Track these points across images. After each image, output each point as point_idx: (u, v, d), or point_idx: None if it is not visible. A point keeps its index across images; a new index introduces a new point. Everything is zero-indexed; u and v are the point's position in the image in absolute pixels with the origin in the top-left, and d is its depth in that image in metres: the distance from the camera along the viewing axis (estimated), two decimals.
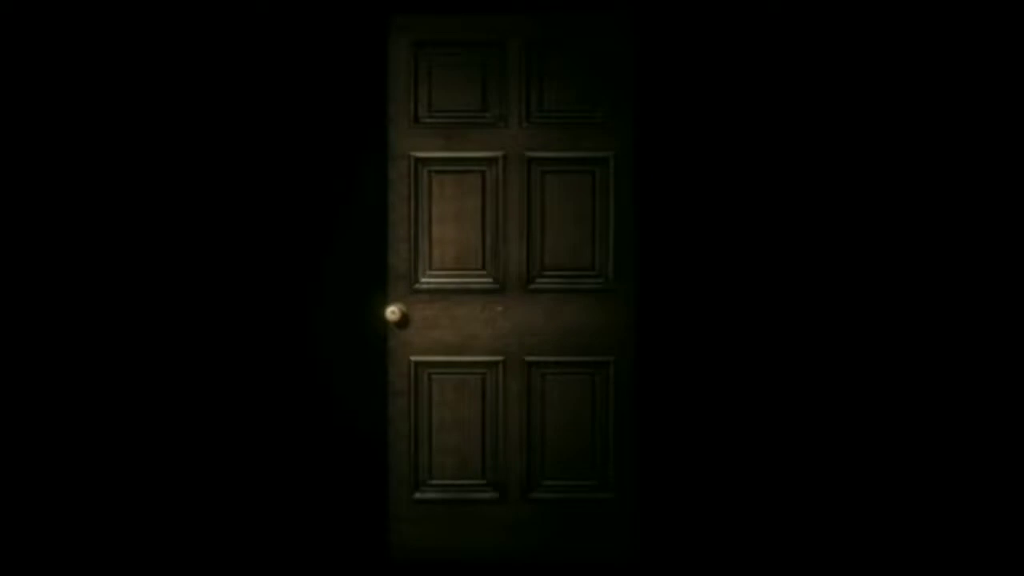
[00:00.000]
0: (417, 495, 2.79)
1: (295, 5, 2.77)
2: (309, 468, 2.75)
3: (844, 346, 2.73)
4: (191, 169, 2.76)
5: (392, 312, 2.76)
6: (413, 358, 2.80)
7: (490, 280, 2.83)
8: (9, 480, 2.73)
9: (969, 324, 2.74)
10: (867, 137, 2.75)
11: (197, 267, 2.75)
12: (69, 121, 2.76)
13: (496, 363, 2.81)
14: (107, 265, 2.75)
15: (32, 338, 2.74)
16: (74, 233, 2.76)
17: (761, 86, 2.75)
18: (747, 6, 2.75)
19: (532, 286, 2.82)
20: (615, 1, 2.80)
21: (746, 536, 2.75)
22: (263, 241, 2.76)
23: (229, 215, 2.75)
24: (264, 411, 2.75)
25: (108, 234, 2.75)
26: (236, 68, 2.76)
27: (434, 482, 2.80)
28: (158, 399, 2.75)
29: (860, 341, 2.73)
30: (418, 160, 2.81)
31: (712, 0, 2.76)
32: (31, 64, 2.75)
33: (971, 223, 2.75)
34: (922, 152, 2.75)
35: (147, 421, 2.75)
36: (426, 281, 2.82)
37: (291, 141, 2.77)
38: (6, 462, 2.73)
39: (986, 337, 2.74)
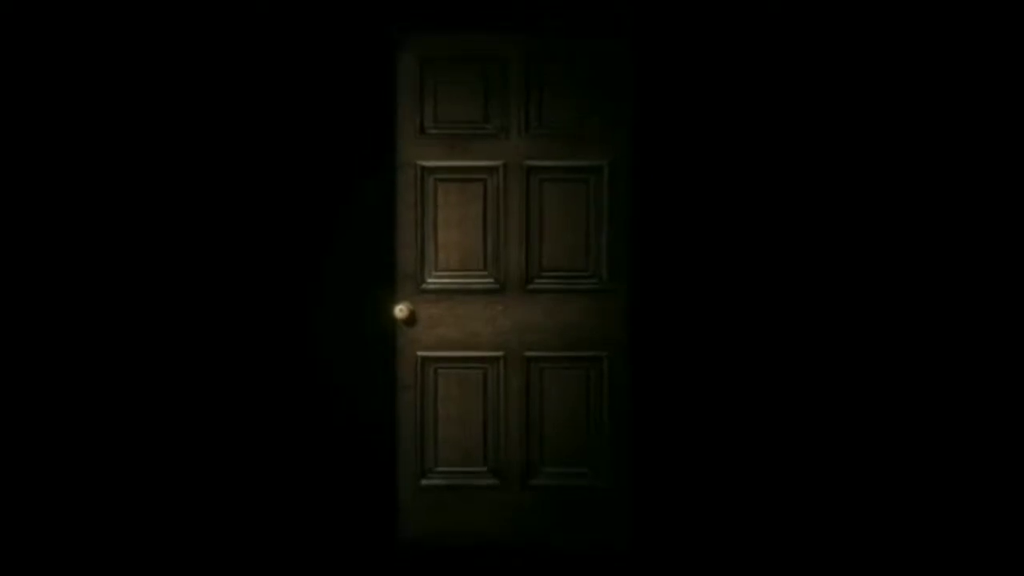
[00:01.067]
0: (423, 482, 2.98)
1: (310, 25, 2.95)
2: (323, 457, 2.92)
3: (827, 338, 2.88)
4: (226, 180, 2.94)
5: (400, 310, 2.94)
6: (420, 353, 2.99)
7: (492, 281, 3.01)
8: (37, 463, 2.90)
9: (951, 322, 2.88)
10: (857, 149, 2.90)
11: (230, 272, 2.93)
12: (124, 136, 2.95)
13: (497, 358, 2.99)
14: (142, 265, 2.93)
15: (67, 334, 2.91)
16: (105, 229, 2.94)
17: (752, 100, 2.92)
18: (743, 26, 2.91)
19: (531, 286, 3.00)
20: (613, 19, 2.97)
21: (737, 524, 2.89)
22: (277, 244, 2.94)
23: (252, 223, 2.93)
24: (282, 404, 2.92)
25: (142, 238, 2.93)
26: (256, 87, 2.95)
27: (439, 469, 2.98)
28: (182, 394, 2.92)
29: (843, 335, 2.88)
30: (424, 169, 2.99)
31: (708, 20, 2.93)
32: (52, 82, 2.94)
33: (960, 225, 2.89)
34: (915, 163, 2.90)
35: (171, 415, 2.92)
36: (432, 281, 3.00)
37: (310, 154, 2.94)
38: (28, 449, 2.90)
39: (973, 336, 2.87)
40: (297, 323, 2.92)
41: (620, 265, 2.96)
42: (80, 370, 2.91)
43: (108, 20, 2.93)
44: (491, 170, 2.99)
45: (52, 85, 2.92)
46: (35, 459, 2.90)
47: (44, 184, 2.92)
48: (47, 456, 2.90)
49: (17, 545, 2.87)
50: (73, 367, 2.90)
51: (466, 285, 2.99)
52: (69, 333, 2.91)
